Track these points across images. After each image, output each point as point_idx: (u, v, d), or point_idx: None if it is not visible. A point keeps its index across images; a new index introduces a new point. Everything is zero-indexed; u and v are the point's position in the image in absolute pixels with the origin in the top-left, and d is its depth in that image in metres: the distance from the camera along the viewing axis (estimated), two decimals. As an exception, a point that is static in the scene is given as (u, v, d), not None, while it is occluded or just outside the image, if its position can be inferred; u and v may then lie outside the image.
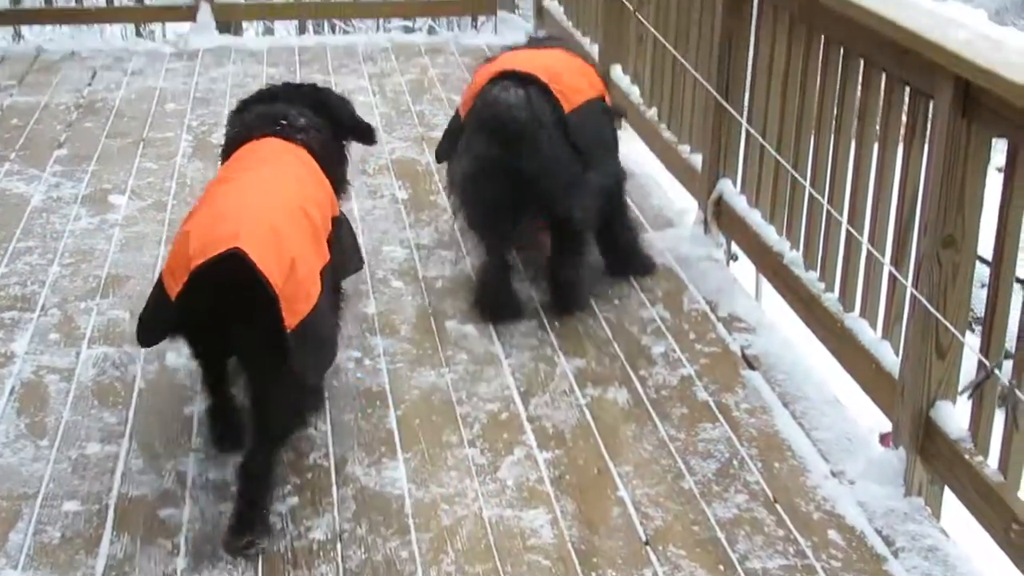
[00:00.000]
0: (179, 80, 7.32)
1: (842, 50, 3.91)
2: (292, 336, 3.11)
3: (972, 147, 3.17)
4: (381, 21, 10.40)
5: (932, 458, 3.37)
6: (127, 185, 5.64)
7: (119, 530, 3.29)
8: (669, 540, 3.27)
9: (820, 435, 3.75)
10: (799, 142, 4.25)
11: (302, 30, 9.45)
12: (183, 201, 5.36)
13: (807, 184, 4.15)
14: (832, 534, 3.30)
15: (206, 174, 5.57)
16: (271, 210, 3.31)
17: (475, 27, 10.06)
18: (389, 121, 6.58)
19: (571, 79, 4.49)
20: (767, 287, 4.68)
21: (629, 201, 4.95)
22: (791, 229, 4.33)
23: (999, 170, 3.16)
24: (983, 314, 3.22)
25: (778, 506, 3.41)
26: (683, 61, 5.17)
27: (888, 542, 3.27)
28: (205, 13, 8.18)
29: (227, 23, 8.90)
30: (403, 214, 5.34)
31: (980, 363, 3.17)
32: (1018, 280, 3.61)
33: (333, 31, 13.44)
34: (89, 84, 7.24)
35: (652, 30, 5.59)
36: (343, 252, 3.72)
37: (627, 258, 4.76)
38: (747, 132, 4.63)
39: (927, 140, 3.38)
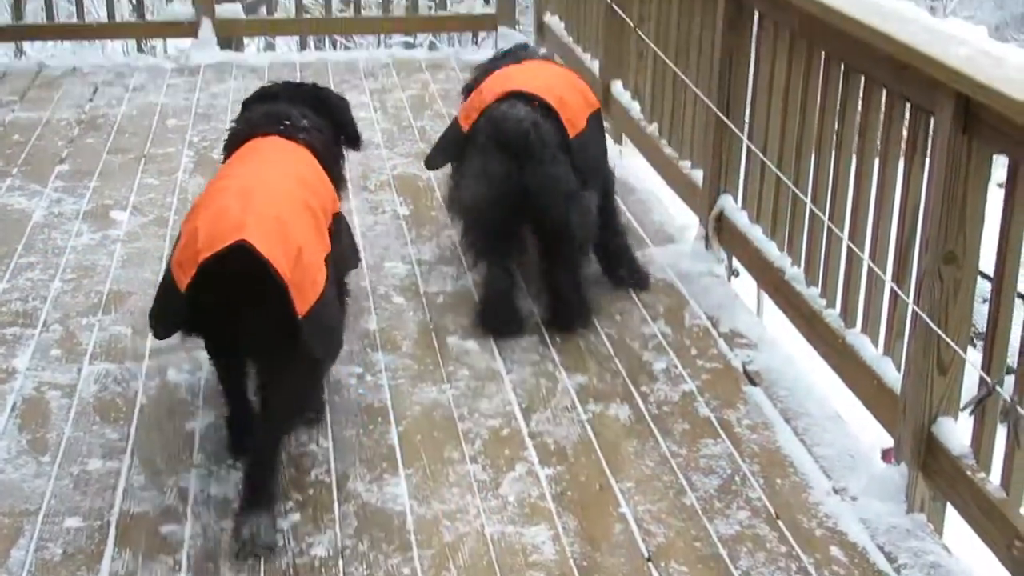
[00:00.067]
0: (180, 96, 7.33)
1: (843, 66, 3.92)
2: (305, 322, 3.19)
3: (973, 163, 3.18)
4: (382, 37, 10.43)
5: (934, 474, 3.37)
6: (129, 201, 5.65)
7: (121, 546, 3.29)
8: (671, 556, 3.27)
9: (822, 451, 3.75)
10: (800, 158, 4.26)
11: (303, 46, 9.45)
12: (185, 217, 5.35)
13: (808, 200, 4.15)
14: (834, 551, 3.30)
15: (208, 190, 5.57)
16: (275, 202, 3.37)
17: (476, 43, 10.09)
18: (390, 137, 6.59)
19: (572, 100, 4.55)
20: (768, 303, 4.68)
21: (628, 215, 4.95)
22: (792, 245, 4.34)
23: (1000, 186, 3.16)
24: (985, 330, 3.22)
25: (780, 523, 3.41)
26: (684, 77, 5.18)
27: (891, 559, 3.27)
28: (206, 29, 8.20)
29: (228, 39, 8.92)
30: (404, 230, 5.35)
31: (981, 379, 3.17)
32: (1019, 296, 3.62)
33: (334, 47, 13.46)
34: (91, 100, 7.25)
35: (652, 46, 5.60)
36: (341, 247, 3.77)
37: (618, 263, 4.78)
38: (748, 148, 4.64)
39: (928, 156, 3.39)
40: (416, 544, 3.30)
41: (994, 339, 3.18)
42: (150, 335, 4.31)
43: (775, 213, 4.47)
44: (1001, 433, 3.20)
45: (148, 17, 8.69)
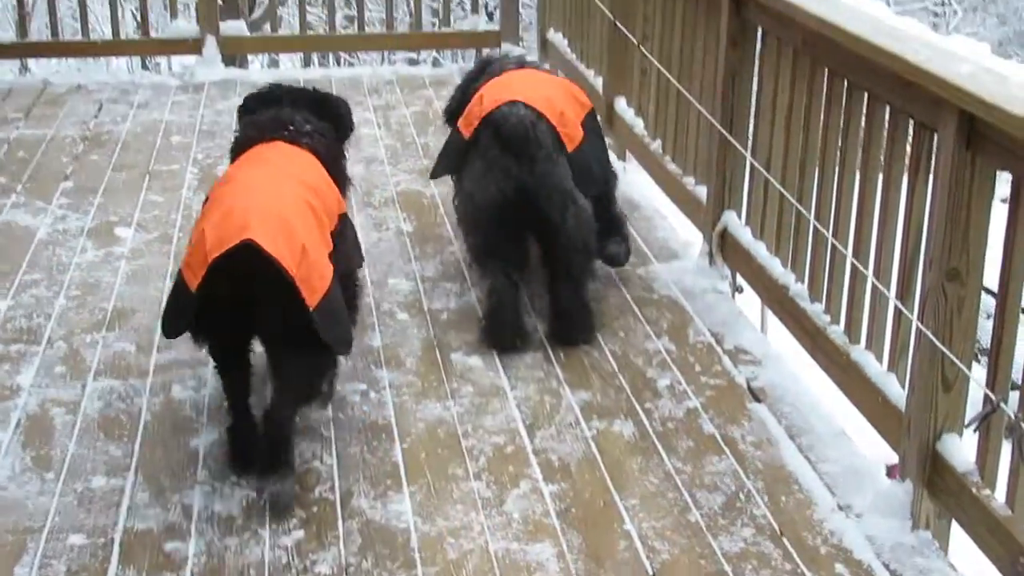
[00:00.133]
0: (185, 113, 7.35)
1: (846, 83, 3.92)
2: (316, 314, 3.35)
3: (976, 180, 3.18)
4: (386, 54, 10.46)
5: (939, 491, 3.36)
6: (133, 218, 5.66)
7: (125, 564, 3.28)
8: (676, 574, 3.26)
9: (827, 468, 3.75)
10: (803, 175, 4.26)
11: (307, 63, 9.47)
12: (189, 234, 5.35)
13: (811, 217, 4.16)
14: (839, 568, 3.29)
15: (212, 207, 5.58)
16: (279, 203, 3.50)
17: (479, 60, 10.10)
18: (394, 153, 6.61)
19: (570, 111, 4.65)
20: (772, 319, 4.68)
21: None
22: (796, 261, 4.34)
23: (1004, 201, 3.17)
24: (989, 346, 3.22)
25: (785, 540, 3.40)
26: (687, 94, 5.18)
27: (895, 576, 3.27)
28: (211, 46, 8.21)
29: (233, 56, 8.97)
30: (408, 246, 5.36)
31: (986, 396, 3.17)
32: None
33: (338, 64, 13.51)
34: (95, 117, 7.27)
35: (656, 63, 5.61)
36: (348, 247, 3.92)
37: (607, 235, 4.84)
38: (751, 164, 4.65)
39: (931, 173, 3.39)
40: (420, 561, 3.30)
41: (998, 355, 3.18)
42: (154, 352, 4.37)
43: (779, 229, 4.47)
44: (1006, 450, 3.19)
45: (152, 34, 8.70)
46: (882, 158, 3.75)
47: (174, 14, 8.65)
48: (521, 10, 8.85)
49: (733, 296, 4.93)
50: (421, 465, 3.74)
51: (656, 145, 5.77)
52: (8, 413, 4.00)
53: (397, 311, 4.74)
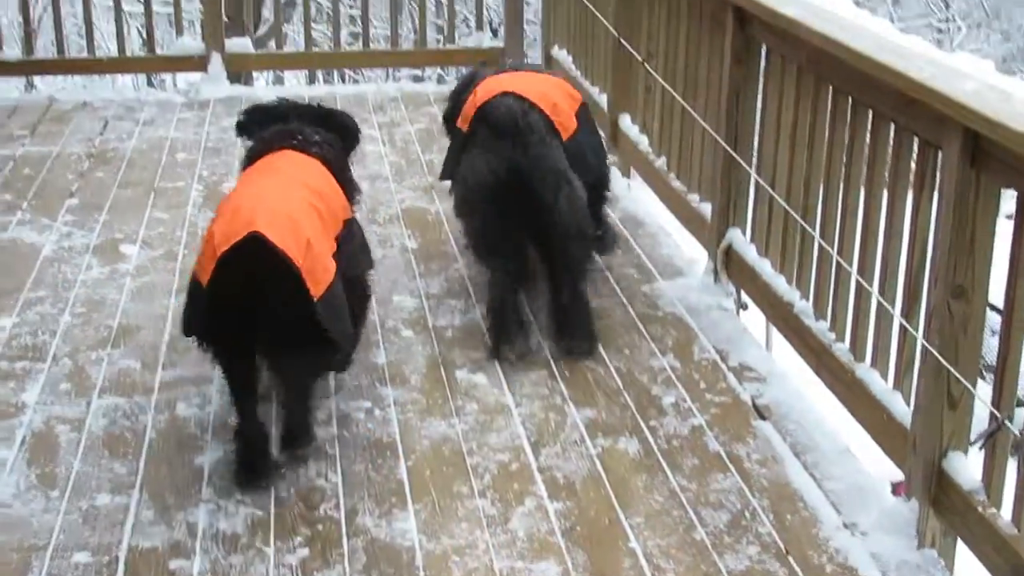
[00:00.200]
0: (190, 130, 7.36)
1: (851, 101, 3.93)
2: (320, 304, 3.49)
3: (981, 198, 3.18)
4: (390, 70, 10.48)
5: (945, 510, 3.35)
6: (138, 235, 5.67)
7: (129, 582, 3.29)
8: (681, 592, 3.26)
9: (832, 486, 3.74)
10: (808, 192, 4.26)
11: (312, 80, 9.52)
12: (194, 251, 5.37)
13: (816, 234, 4.16)
14: (845, 586, 3.29)
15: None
16: (285, 203, 3.66)
17: (484, 76, 10.12)
18: (399, 170, 6.61)
19: (563, 103, 4.81)
20: (777, 337, 4.68)
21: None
22: (801, 279, 4.34)
23: (1008, 217, 3.17)
24: (995, 362, 3.22)
25: (790, 558, 3.39)
26: (692, 111, 5.19)
27: (901, 594, 3.26)
28: (216, 63, 8.23)
29: (238, 73, 8.97)
30: (413, 263, 5.36)
31: (991, 413, 3.16)
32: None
33: (343, 80, 13.54)
34: (101, 134, 7.28)
35: (660, 80, 5.62)
36: (354, 249, 4.05)
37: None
38: (756, 182, 4.65)
39: (936, 191, 3.39)
40: (425, 579, 3.29)
41: (1004, 372, 3.17)
42: (159, 369, 4.37)
43: (783, 247, 4.47)
44: (1012, 467, 3.19)
45: (158, 52, 8.74)
46: (887, 175, 3.76)
47: (179, 31, 8.68)
48: (525, 27, 8.88)
49: (738, 313, 4.93)
50: (426, 483, 3.74)
51: (661, 162, 5.77)
52: (13, 430, 4.01)
53: (402, 328, 4.74)
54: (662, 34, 5.70)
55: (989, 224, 3.21)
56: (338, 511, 3.60)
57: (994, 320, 3.35)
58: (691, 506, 3.63)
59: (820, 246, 4.14)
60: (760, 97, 4.70)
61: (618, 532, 3.51)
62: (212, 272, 3.46)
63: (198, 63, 8.33)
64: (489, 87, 4.77)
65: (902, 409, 3.61)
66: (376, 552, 3.41)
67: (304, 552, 3.41)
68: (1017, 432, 3.05)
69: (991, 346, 3.34)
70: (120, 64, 8.88)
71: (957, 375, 3.24)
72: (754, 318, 4.90)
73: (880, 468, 3.86)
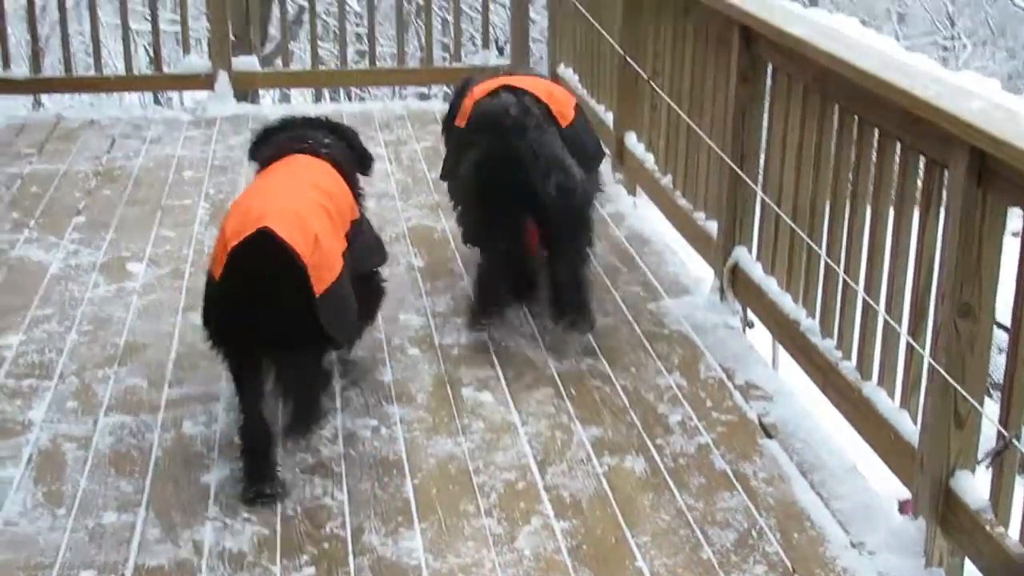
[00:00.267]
0: (197, 148, 7.38)
1: (857, 119, 3.93)
2: (321, 300, 3.62)
3: (988, 217, 3.18)
4: (397, 89, 10.49)
5: (952, 529, 3.35)
6: (145, 253, 5.68)
7: (135, 601, 3.28)
8: (688, 611, 3.25)
9: (839, 504, 3.73)
10: (814, 210, 4.26)
11: (318, 98, 9.54)
12: (201, 269, 5.36)
13: (823, 252, 4.16)
14: (852, 605, 3.28)
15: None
16: (293, 201, 3.81)
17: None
18: (405, 188, 6.62)
19: (559, 94, 4.98)
20: (784, 355, 4.67)
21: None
22: (807, 297, 4.34)
23: (1015, 235, 3.17)
24: (1002, 380, 3.21)
25: (797, 577, 3.39)
26: (697, 130, 5.20)
27: (909, 614, 3.25)
28: (223, 82, 8.25)
29: (244, 91, 8.99)
30: (419, 282, 5.36)
31: (999, 432, 3.16)
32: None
33: (349, 99, 13.57)
34: (108, 152, 7.29)
35: (666, 99, 5.63)
36: (365, 245, 4.25)
37: None
38: (762, 200, 4.65)
39: (942, 209, 3.39)
40: (431, 598, 3.29)
41: (1011, 391, 3.17)
42: (166, 387, 4.38)
43: (790, 265, 4.47)
44: (1020, 486, 3.18)
45: (165, 70, 8.76)
46: (893, 194, 3.76)
47: (186, 49, 8.70)
48: (531, 45, 8.90)
49: (744, 331, 4.93)
50: (432, 501, 3.73)
51: (667, 180, 5.78)
52: (20, 448, 4.01)
53: (408, 346, 4.75)
54: (668, 52, 5.71)
55: (996, 242, 3.21)
56: (344, 529, 3.60)
57: (1001, 338, 3.35)
58: (698, 525, 3.62)
59: (826, 264, 4.14)
60: (766, 115, 4.70)
61: (625, 551, 3.50)
62: (224, 264, 3.63)
63: (205, 81, 8.35)
64: (485, 85, 4.92)
65: (909, 427, 3.61)
66: (382, 571, 3.40)
67: (310, 571, 3.40)
68: (1024, 451, 3.05)
69: (998, 364, 3.34)
70: (127, 82, 8.89)
71: (964, 393, 3.24)
72: (760, 336, 4.89)
73: (887, 486, 3.85)
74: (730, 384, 4.46)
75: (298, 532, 3.57)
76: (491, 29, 9.31)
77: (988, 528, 3.19)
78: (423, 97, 12.23)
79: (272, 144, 4.38)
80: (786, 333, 4.48)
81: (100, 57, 8.62)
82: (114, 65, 10.72)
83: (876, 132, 3.81)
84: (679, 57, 5.56)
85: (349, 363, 4.51)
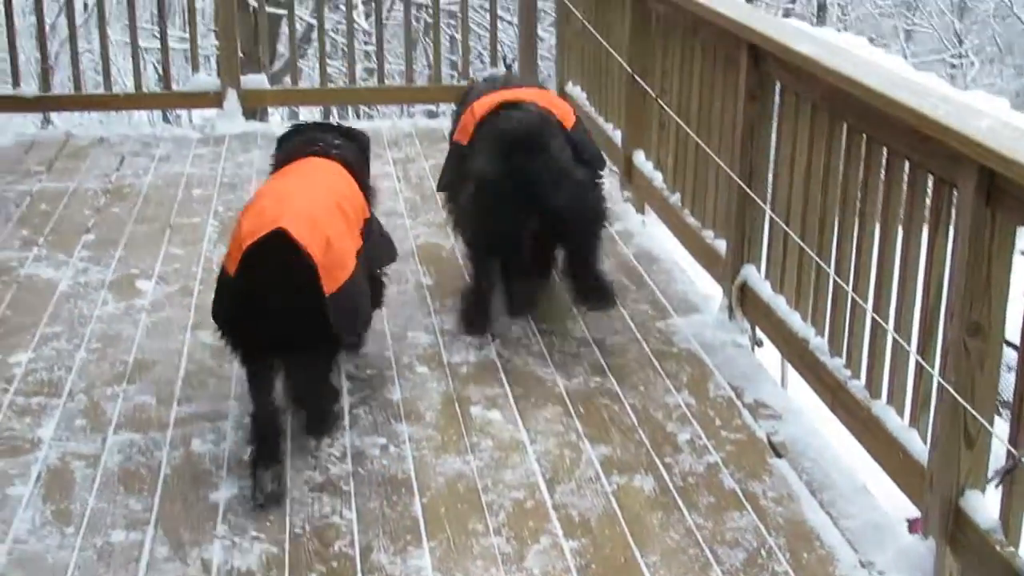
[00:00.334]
0: (206, 166, 7.39)
1: (865, 138, 3.93)
2: (331, 299, 3.80)
3: (997, 237, 3.18)
4: (405, 106, 10.51)
5: (962, 548, 3.33)
6: (154, 270, 5.68)
7: (144, 619, 3.28)
8: (697, 631, 3.24)
9: (848, 524, 3.72)
10: (823, 229, 4.26)
11: (327, 116, 9.57)
12: (210, 286, 5.34)
13: (831, 271, 4.15)
14: (862, 625, 3.27)
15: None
16: (309, 203, 3.99)
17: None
18: (414, 206, 6.63)
19: (559, 104, 5.12)
20: (793, 373, 4.67)
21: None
22: (816, 315, 4.34)
23: (1023, 254, 3.17)
24: (1012, 399, 3.20)
25: (807, 596, 3.38)
26: (706, 148, 5.21)
27: (919, 634, 3.24)
28: (232, 100, 8.27)
29: (253, 109, 9.01)
30: (428, 300, 5.36)
31: (1009, 451, 3.15)
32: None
33: (358, 116, 13.58)
34: (117, 169, 7.31)
35: (674, 117, 5.64)
36: (375, 244, 4.42)
37: None
38: (771, 218, 4.65)
39: (951, 228, 3.39)
40: (440, 618, 3.28)
41: (1021, 409, 3.16)
42: (175, 405, 4.38)
43: (799, 283, 4.47)
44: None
45: (174, 88, 8.78)
46: (901, 213, 3.76)
47: (195, 67, 8.73)
48: (540, 62, 8.91)
49: (753, 350, 4.92)
50: (441, 520, 3.73)
51: (675, 198, 5.78)
52: (29, 466, 4.01)
53: (416, 364, 4.75)
54: (676, 71, 5.72)
55: (1005, 261, 3.20)
56: (353, 548, 3.59)
57: (1010, 356, 3.34)
58: (707, 544, 3.61)
59: (835, 283, 4.13)
60: (774, 134, 4.71)
61: (633, 570, 3.49)
62: (239, 262, 3.79)
63: (214, 99, 8.37)
64: (484, 101, 4.98)
65: (918, 446, 3.60)
66: (391, 590, 3.40)
67: (319, 589, 3.40)
68: (1034, 470, 3.04)
69: (1007, 382, 3.33)
70: (136, 100, 8.91)
71: (974, 412, 3.23)
72: (769, 355, 4.89)
73: (896, 505, 3.84)
74: (739, 403, 4.46)
75: (307, 550, 3.57)
76: (499, 47, 9.34)
77: (998, 548, 3.18)
78: (431, 115, 12.25)
79: (284, 147, 4.56)
80: (795, 351, 4.48)
81: (109, 75, 8.64)
82: (123, 83, 10.79)
83: (884, 151, 3.82)
84: (687, 75, 5.57)
85: (358, 381, 4.51)
